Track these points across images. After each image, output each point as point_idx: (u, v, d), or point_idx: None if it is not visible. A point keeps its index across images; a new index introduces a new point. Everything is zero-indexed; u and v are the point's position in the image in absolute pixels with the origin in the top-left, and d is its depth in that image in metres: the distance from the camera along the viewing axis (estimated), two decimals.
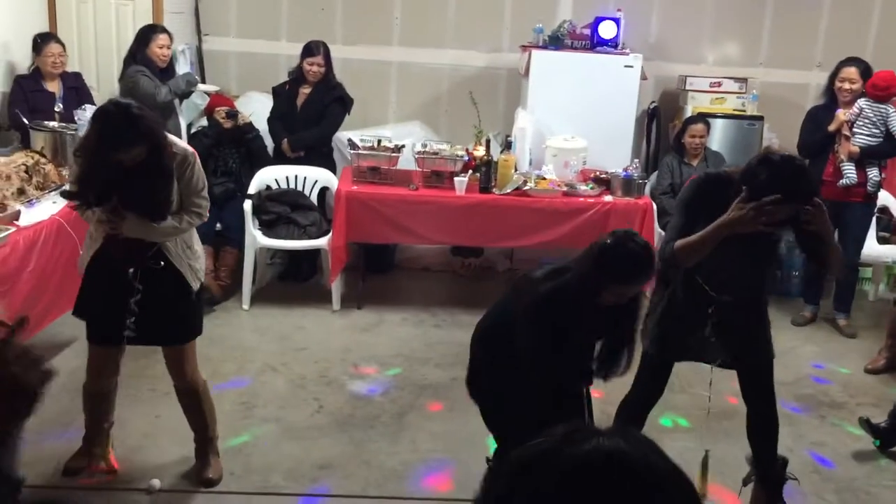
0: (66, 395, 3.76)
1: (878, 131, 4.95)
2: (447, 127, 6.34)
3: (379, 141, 5.25)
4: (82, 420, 3.29)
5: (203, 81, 6.02)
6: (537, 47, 5.65)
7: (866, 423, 3.80)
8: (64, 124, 4.65)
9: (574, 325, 2.63)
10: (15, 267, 3.59)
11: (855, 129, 4.92)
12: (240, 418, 3.75)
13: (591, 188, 5.08)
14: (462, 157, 5.13)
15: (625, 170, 5.14)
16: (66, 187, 4.23)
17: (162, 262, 3.00)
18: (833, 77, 5.15)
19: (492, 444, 3.57)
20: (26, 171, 4.17)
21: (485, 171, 5.02)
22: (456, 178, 4.97)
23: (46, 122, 4.63)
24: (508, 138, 5.37)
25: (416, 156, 5.15)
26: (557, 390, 2.83)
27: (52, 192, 4.21)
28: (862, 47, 5.98)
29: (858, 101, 4.99)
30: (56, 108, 4.74)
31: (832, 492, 3.48)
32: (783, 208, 2.62)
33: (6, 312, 3.46)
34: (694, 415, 3.91)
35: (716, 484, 3.08)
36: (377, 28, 6.38)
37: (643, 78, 5.62)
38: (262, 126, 5.48)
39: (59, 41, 4.98)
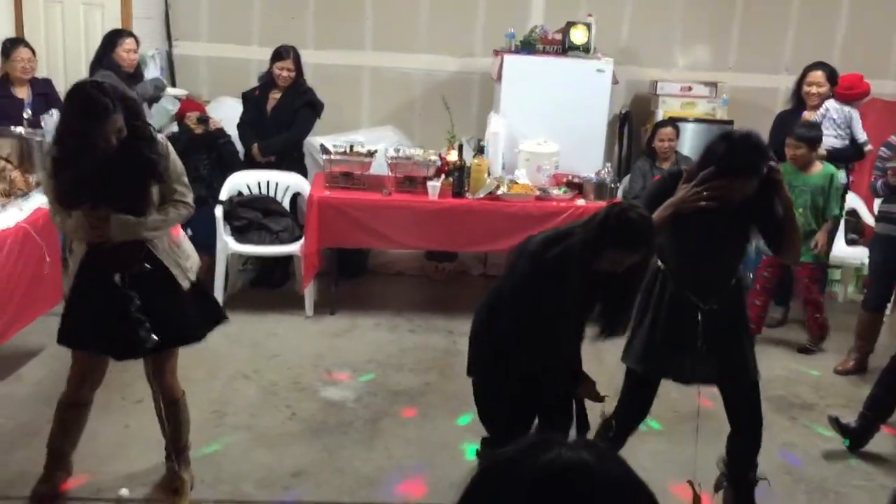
0: (33, 406, 3.72)
1: (843, 133, 5.02)
2: (420, 131, 6.34)
3: (351, 146, 5.23)
4: (49, 429, 3.21)
5: (173, 86, 5.98)
6: (509, 52, 5.66)
7: (835, 423, 3.84)
8: (31, 130, 4.59)
9: (570, 291, 2.63)
10: None
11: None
12: (211, 426, 3.71)
13: (564, 192, 5.10)
14: (435, 161, 5.13)
15: (597, 174, 5.17)
16: (36, 193, 4.21)
17: (148, 265, 2.91)
18: (800, 81, 5.22)
19: (467, 450, 3.58)
20: None
21: (458, 176, 5.02)
22: (429, 183, 4.97)
23: (13, 128, 4.57)
24: (481, 143, 5.38)
25: (389, 161, 5.14)
26: (543, 390, 2.85)
27: (19, 199, 4.15)
28: (828, 52, 6.06)
29: (825, 102, 5.06)
30: (24, 115, 4.68)
31: (803, 492, 3.51)
32: (731, 185, 2.74)
33: None
34: (665, 417, 3.93)
35: (686, 485, 3.09)
36: (349, 33, 6.37)
37: (614, 82, 5.66)
38: (233, 131, 5.44)
39: (28, 46, 4.92)
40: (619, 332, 2.83)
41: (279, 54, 5.25)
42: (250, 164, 5.34)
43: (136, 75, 5.13)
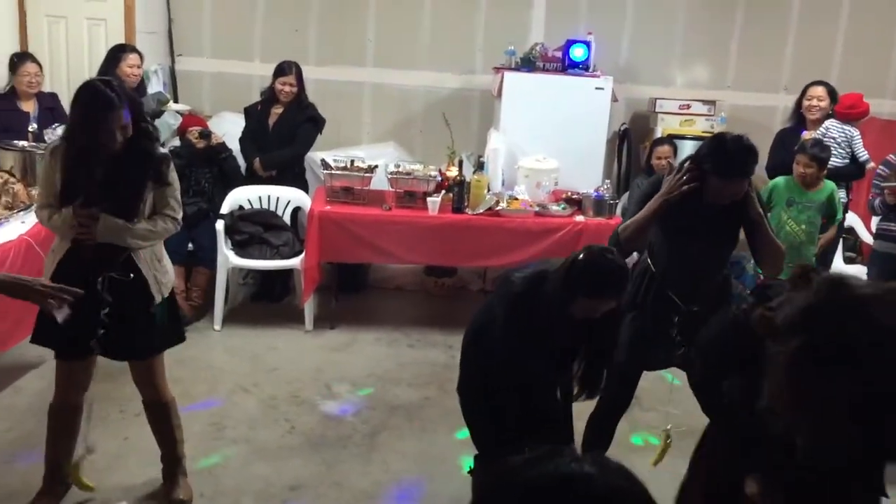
0: (33, 417, 3.73)
1: (843, 152, 5.05)
2: (421, 148, 6.37)
3: (352, 161, 5.26)
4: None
5: (176, 101, 6.02)
6: (510, 69, 5.71)
7: None
8: (35, 144, 4.62)
9: (546, 334, 2.65)
10: None
11: None
12: (210, 439, 3.72)
13: (563, 209, 5.13)
14: (435, 177, 5.16)
15: (596, 190, 5.20)
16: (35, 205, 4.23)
17: (132, 274, 2.94)
18: (801, 98, 5.26)
19: (465, 465, 3.59)
20: None
21: (457, 192, 5.05)
22: (429, 199, 5.00)
23: (16, 142, 4.60)
24: (481, 159, 5.41)
25: (389, 176, 5.17)
26: (535, 412, 2.86)
27: (21, 212, 4.18)
28: (826, 71, 6.11)
29: (825, 121, 5.10)
30: (30, 128, 4.72)
31: None
32: (722, 186, 2.84)
33: None
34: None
35: None
36: (351, 49, 6.42)
37: (614, 100, 5.70)
38: (235, 146, 5.48)
39: (35, 61, 4.96)
40: (596, 391, 2.85)
41: (281, 70, 5.29)
42: (252, 178, 5.37)
43: (139, 90, 5.17)
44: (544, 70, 5.72)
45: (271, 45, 6.31)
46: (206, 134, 5.30)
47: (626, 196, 5.75)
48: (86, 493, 3.22)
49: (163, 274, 3.05)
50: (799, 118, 5.28)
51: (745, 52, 6.46)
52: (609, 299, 2.60)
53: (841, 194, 5.00)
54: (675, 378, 3.78)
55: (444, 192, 5.10)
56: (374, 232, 4.98)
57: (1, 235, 3.86)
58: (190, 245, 5.07)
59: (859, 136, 5.08)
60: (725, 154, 2.84)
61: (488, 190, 5.18)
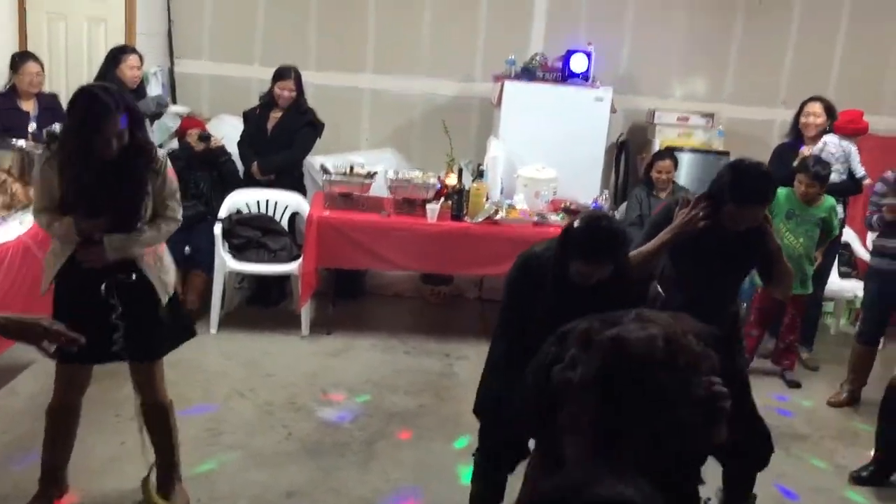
0: (28, 419, 3.69)
1: (841, 168, 5.07)
2: (420, 154, 6.37)
3: (351, 167, 5.25)
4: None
5: (175, 103, 6.01)
6: (510, 78, 5.72)
7: (856, 479, 3.87)
8: (34, 143, 4.59)
9: (544, 296, 2.66)
10: None
11: None
12: (206, 445, 3.70)
13: (562, 218, 5.13)
14: (434, 184, 5.16)
15: (594, 200, 5.21)
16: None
17: (134, 275, 2.93)
18: (798, 114, 5.28)
19: (463, 474, 3.58)
20: None
21: (456, 200, 5.05)
22: (428, 206, 5.00)
23: (15, 141, 4.57)
24: (480, 167, 5.42)
25: (389, 183, 5.16)
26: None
27: (20, 212, 4.15)
28: (824, 86, 6.15)
29: (823, 137, 5.12)
30: (29, 128, 4.69)
31: None
32: (739, 213, 2.87)
33: None
34: None
35: None
36: (351, 55, 6.42)
37: (613, 111, 5.72)
38: (233, 150, 5.46)
39: (37, 60, 4.94)
40: None
41: (280, 74, 5.29)
42: (250, 182, 5.36)
43: (138, 92, 5.15)
44: (544, 80, 5.73)
45: (271, 48, 6.31)
46: (205, 137, 5.29)
47: (623, 206, 5.76)
48: (79, 497, 3.20)
49: (165, 273, 3.04)
50: (797, 133, 5.30)
51: (744, 65, 6.50)
52: (601, 264, 2.57)
53: (838, 209, 5.03)
54: None
55: (443, 199, 5.09)
56: (372, 238, 4.97)
57: (1, 235, 3.84)
58: (187, 248, 5.04)
59: (857, 152, 5.11)
60: (744, 181, 2.86)
61: (487, 198, 5.18)
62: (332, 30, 6.39)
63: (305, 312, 5.05)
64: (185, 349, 3.23)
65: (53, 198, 2.88)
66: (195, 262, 5.11)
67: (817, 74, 6.40)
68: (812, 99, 5.29)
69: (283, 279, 5.40)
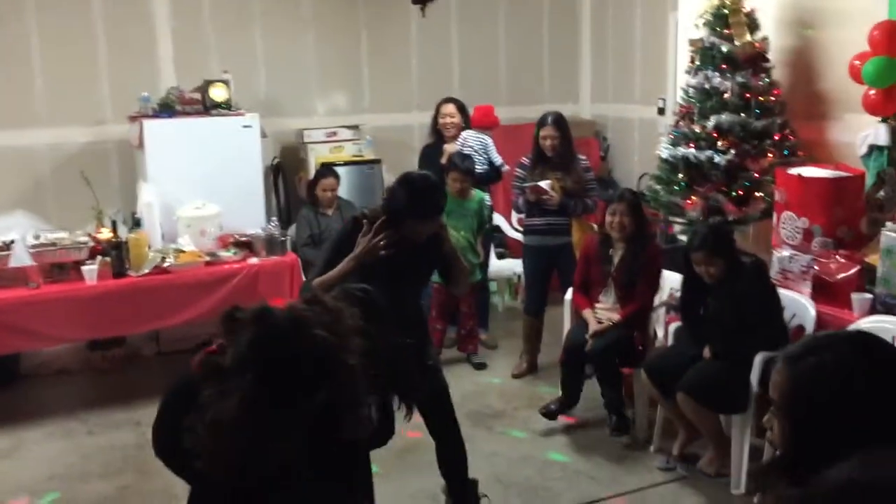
0: None
1: (482, 159, 5.51)
2: (57, 212, 5.74)
3: None
4: None
5: None
6: (148, 116, 5.38)
7: (548, 412, 4.29)
8: None
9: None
10: None
11: None
12: None
13: (234, 253, 4.95)
14: (86, 242, 4.68)
15: (264, 229, 5.10)
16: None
17: None
18: (435, 116, 5.64)
19: None
20: None
21: (116, 255, 4.63)
22: (84, 268, 4.52)
23: None
24: (135, 215, 5.02)
25: (31, 250, 4.58)
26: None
27: None
28: (450, 87, 6.64)
29: (462, 133, 5.52)
30: None
31: (516, 496, 3.77)
32: (418, 226, 3.05)
33: None
34: (377, 455, 3.98)
35: None
36: None
37: (263, 136, 5.64)
38: None
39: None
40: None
41: None
42: None
43: None
44: (186, 113, 5.47)
45: None
46: None
47: (292, 228, 5.72)
48: None
49: None
50: (437, 134, 5.66)
51: (377, 76, 6.78)
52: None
53: (486, 197, 5.47)
54: None
55: (100, 257, 4.64)
56: (21, 316, 4.39)
57: None
58: None
59: (493, 143, 5.59)
60: (420, 196, 3.00)
61: (149, 247, 4.83)
62: None
63: None
64: None
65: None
66: None
67: (442, 77, 6.89)
68: (445, 100, 5.68)
69: None
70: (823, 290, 3.99)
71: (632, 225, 4.23)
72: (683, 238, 5.14)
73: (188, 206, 5.13)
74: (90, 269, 4.53)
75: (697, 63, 5.09)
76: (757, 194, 4.84)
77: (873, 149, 4.59)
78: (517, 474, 3.96)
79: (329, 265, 3.06)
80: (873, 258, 3.91)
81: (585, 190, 4.90)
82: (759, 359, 3.54)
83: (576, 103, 7.54)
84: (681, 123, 5.16)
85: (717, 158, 4.87)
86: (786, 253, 4.22)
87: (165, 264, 4.71)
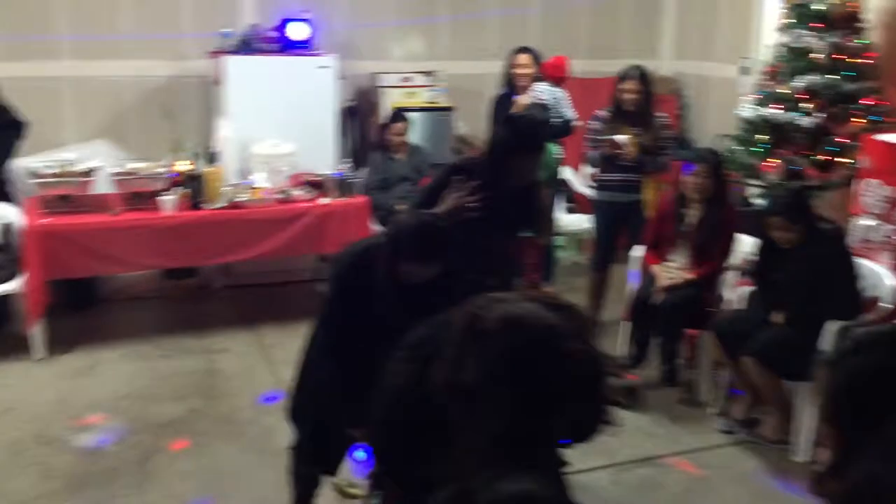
0: None
1: (554, 112, 5.43)
2: (137, 143, 5.87)
3: (65, 165, 4.73)
4: None
5: None
6: (228, 52, 5.44)
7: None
8: None
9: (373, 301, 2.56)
10: None
11: None
12: None
13: (306, 192, 5.02)
14: (165, 173, 4.80)
15: (337, 170, 5.15)
16: None
17: None
18: (508, 66, 5.57)
19: (256, 472, 3.43)
20: None
21: (193, 186, 4.74)
22: (162, 197, 4.65)
23: None
24: (211, 150, 5.12)
25: (114, 177, 4.72)
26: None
27: None
28: (526, 36, 6.53)
29: (534, 84, 5.44)
30: None
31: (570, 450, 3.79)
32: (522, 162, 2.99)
33: None
34: None
35: None
36: (42, 41, 5.74)
37: (342, 77, 5.66)
38: None
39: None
40: None
41: None
42: None
43: None
44: (263, 51, 5.52)
45: None
46: None
47: (364, 172, 5.76)
48: None
49: None
50: (510, 84, 5.59)
51: (455, 22, 6.71)
52: (434, 263, 2.54)
53: (556, 150, 5.40)
54: None
55: (177, 188, 4.76)
56: (103, 241, 4.54)
57: None
58: None
59: (566, 97, 5.50)
60: (523, 132, 3.04)
61: (223, 181, 4.93)
62: (16, 14, 5.66)
63: (37, 333, 4.51)
64: None
65: None
66: None
67: (519, 26, 6.78)
68: (518, 50, 5.59)
69: (3, 301, 4.77)
70: None
71: (712, 187, 4.15)
72: (757, 201, 5.02)
73: (264, 144, 5.21)
74: (169, 200, 4.64)
75: (790, 21, 4.91)
76: (840, 160, 4.69)
77: None
78: None
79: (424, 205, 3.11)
80: None
81: (661, 148, 4.81)
82: (830, 327, 3.46)
83: (655, 59, 7.35)
84: (767, 83, 5.00)
85: (802, 120, 4.71)
86: (867, 221, 4.09)
87: (239, 199, 4.80)
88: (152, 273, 5.45)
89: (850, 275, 3.63)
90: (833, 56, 4.70)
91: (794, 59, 4.82)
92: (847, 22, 4.75)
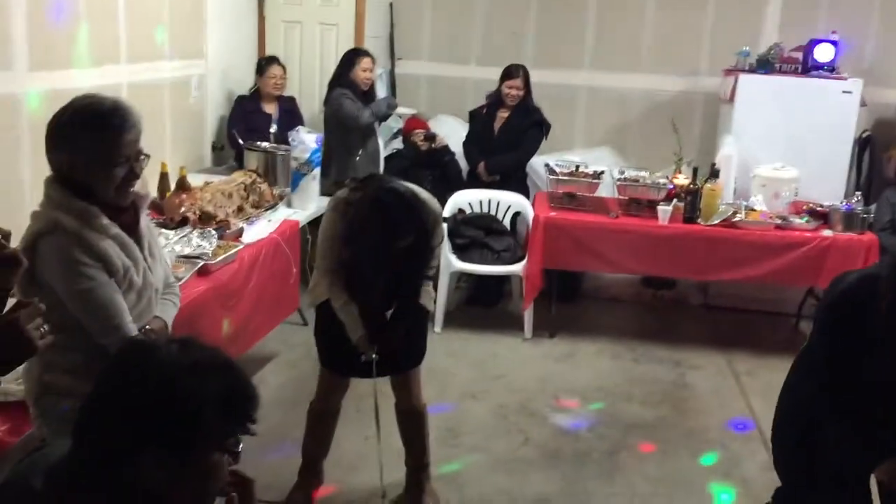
0: (279, 409, 3.85)
1: None
2: (636, 153, 6.14)
3: (577, 167, 5.12)
4: (298, 433, 3.28)
5: None
6: (744, 71, 5.38)
7: None
8: (276, 145, 4.79)
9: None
10: (240, 283, 3.68)
11: None
12: (447, 446, 3.68)
13: (807, 221, 4.75)
14: (665, 185, 4.92)
15: (846, 202, 4.78)
16: (281, 206, 4.39)
17: None
18: None
19: (715, 492, 3.37)
20: (245, 190, 4.31)
21: (690, 201, 4.79)
22: (660, 207, 4.77)
23: (260, 143, 4.79)
24: (714, 167, 5.12)
25: (618, 183, 4.98)
26: None
27: (268, 211, 4.33)
28: None
29: None
30: (271, 130, 4.91)
31: None
32: None
33: (232, 327, 3.57)
34: None
35: None
36: (567, 52, 6.29)
37: (863, 104, 5.24)
38: (456, 149, 5.48)
39: (280, 64, 5.18)
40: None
41: (509, 73, 5.23)
42: (473, 182, 5.35)
43: (370, 94, 5.26)
44: (782, 71, 5.34)
45: (488, 47, 6.30)
46: (430, 136, 5.35)
47: (873, 209, 5.26)
48: (335, 490, 3.28)
49: (428, 283, 3.06)
50: None
51: None
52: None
53: None
54: None
55: (674, 200, 4.85)
56: (599, 239, 4.81)
57: (254, 233, 4.00)
58: None
59: None
60: None
61: (721, 199, 4.88)
62: (550, 27, 6.28)
63: (528, 314, 4.97)
64: None
65: (334, 259, 2.90)
66: None
67: None
68: None
69: (502, 280, 5.35)
70: None
71: None
72: None
73: (767, 166, 5.05)
74: (665, 210, 4.75)
75: None
76: None
77: None
78: None
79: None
80: None
81: None
82: None
83: None
84: None
85: None
86: None
87: (735, 219, 4.72)
88: (632, 278, 5.64)
89: None
90: None
91: None
92: None
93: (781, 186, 4.96)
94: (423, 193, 2.89)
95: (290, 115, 5.17)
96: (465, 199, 5.31)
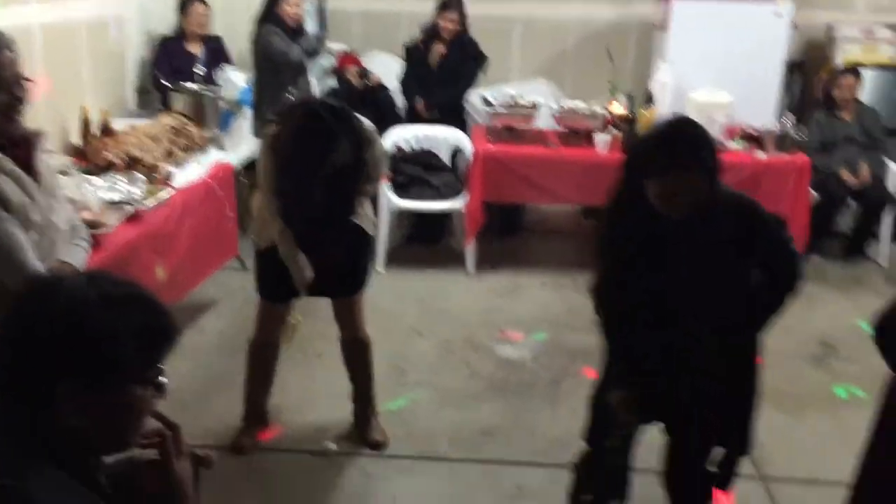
0: (220, 355, 3.80)
1: None
2: (573, 83, 6.12)
3: (514, 99, 5.07)
4: (240, 379, 3.22)
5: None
6: None
7: None
8: (203, 86, 4.63)
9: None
10: (173, 228, 3.58)
11: None
12: (394, 383, 3.68)
13: (741, 145, 4.81)
14: (602, 114, 4.92)
15: (777, 125, 4.84)
16: (212, 149, 4.26)
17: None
18: None
19: None
20: (173, 133, 4.17)
21: (627, 129, 4.79)
22: (597, 137, 4.77)
23: (186, 84, 4.62)
24: (648, 95, 5.12)
25: (554, 114, 4.95)
26: None
27: (198, 153, 4.20)
28: None
29: None
30: (198, 70, 4.73)
31: None
32: None
33: (166, 274, 3.48)
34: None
35: None
36: None
37: (794, 27, 5.28)
38: (391, 85, 5.38)
39: (203, 1, 4.97)
40: None
41: (445, 5, 5.12)
42: (412, 118, 5.26)
43: (299, 30, 5.09)
44: None
45: None
46: (364, 73, 5.22)
47: (804, 131, 5.35)
48: (281, 432, 3.26)
49: (369, 208, 3.01)
50: None
51: None
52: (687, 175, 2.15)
53: None
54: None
55: (611, 129, 4.85)
56: (539, 171, 4.80)
57: (184, 177, 3.88)
58: None
59: None
60: None
61: None
62: None
63: (470, 250, 4.97)
64: None
65: (272, 184, 2.83)
66: None
67: None
68: None
69: (444, 216, 5.32)
70: None
71: None
72: None
73: (701, 91, 5.07)
74: (603, 139, 4.76)
75: None
76: None
77: None
78: None
79: None
80: None
81: None
82: None
83: None
84: None
85: None
86: None
87: None
88: (571, 210, 5.67)
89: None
90: None
91: None
92: None
93: (715, 111, 4.98)
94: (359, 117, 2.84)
95: (217, 55, 4.99)
96: (403, 136, 5.23)
